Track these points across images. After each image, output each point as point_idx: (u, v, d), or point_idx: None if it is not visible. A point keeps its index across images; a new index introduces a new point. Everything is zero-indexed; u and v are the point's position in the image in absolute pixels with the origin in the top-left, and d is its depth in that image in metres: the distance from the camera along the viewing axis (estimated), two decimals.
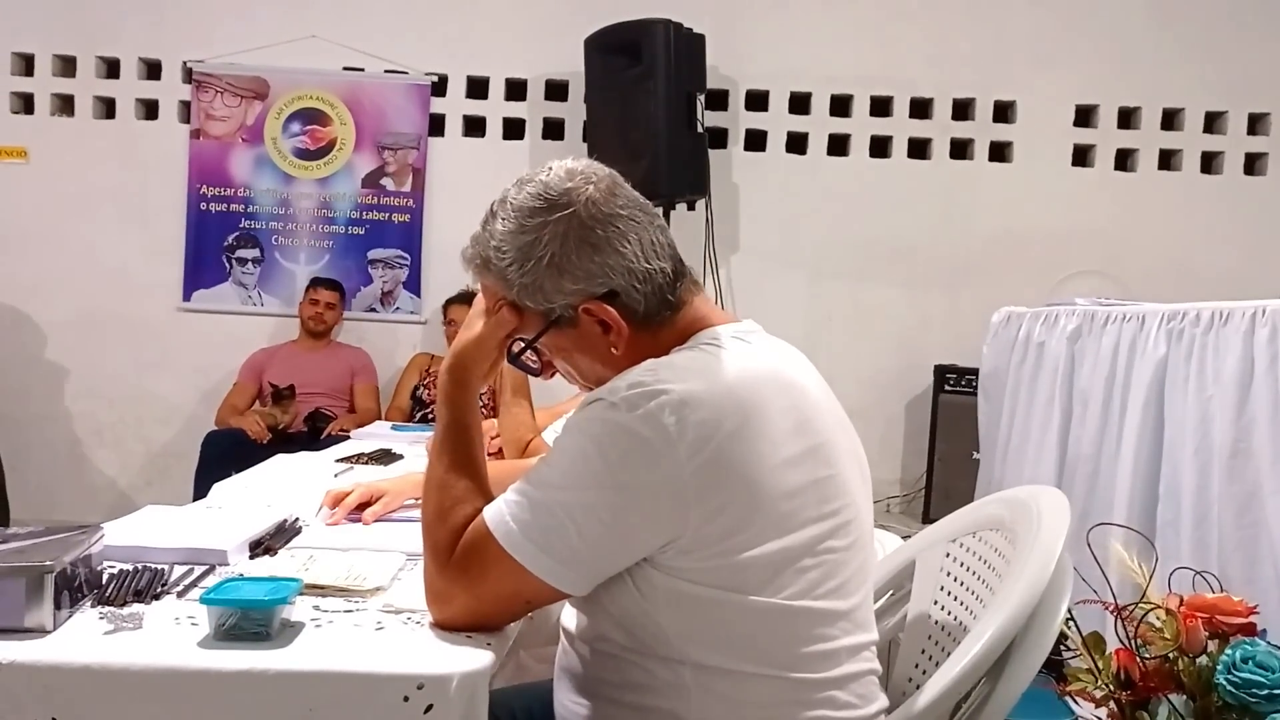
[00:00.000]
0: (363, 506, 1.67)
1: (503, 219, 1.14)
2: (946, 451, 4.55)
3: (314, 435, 4.14)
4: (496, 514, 1.09)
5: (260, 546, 1.45)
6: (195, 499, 3.83)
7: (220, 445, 4.06)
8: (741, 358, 1.11)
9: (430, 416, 4.04)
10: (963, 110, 4.81)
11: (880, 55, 4.75)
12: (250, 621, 1.06)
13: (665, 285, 1.15)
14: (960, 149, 4.83)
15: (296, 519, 1.63)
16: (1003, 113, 4.82)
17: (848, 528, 1.12)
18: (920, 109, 4.80)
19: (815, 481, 1.09)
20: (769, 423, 1.06)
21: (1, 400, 4.64)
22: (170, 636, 1.08)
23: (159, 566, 1.31)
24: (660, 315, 1.15)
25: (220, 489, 2.11)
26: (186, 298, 4.69)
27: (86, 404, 4.72)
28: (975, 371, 4.02)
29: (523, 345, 1.18)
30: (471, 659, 1.04)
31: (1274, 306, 2.00)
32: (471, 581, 1.09)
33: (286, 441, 4.11)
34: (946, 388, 4.60)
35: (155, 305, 4.69)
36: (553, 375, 1.24)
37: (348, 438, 3.92)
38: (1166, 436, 2.26)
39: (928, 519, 4.63)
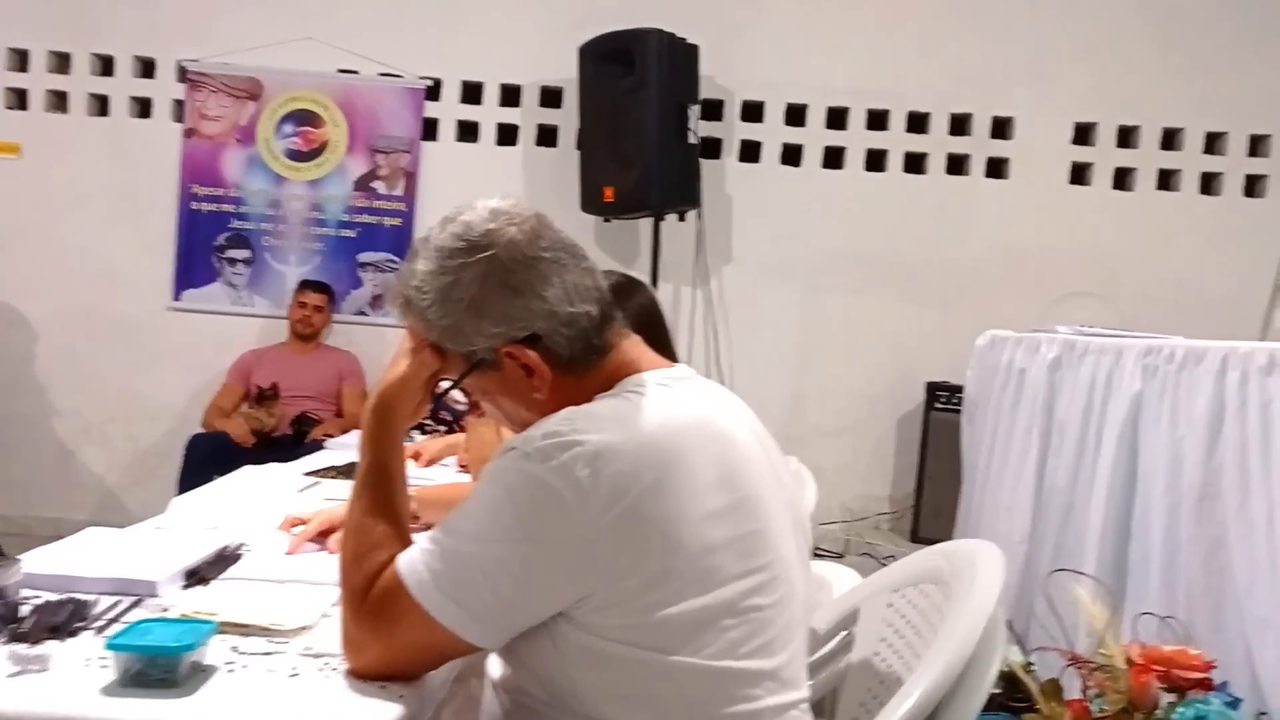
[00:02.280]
0: (325, 534, 1.65)
1: (424, 258, 1.12)
2: (937, 469, 4.52)
3: (299, 439, 4.12)
4: (410, 562, 1.06)
5: (195, 576, 1.43)
6: None
7: (204, 449, 4.05)
8: (665, 405, 1.09)
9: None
10: (960, 125, 4.77)
11: (878, 68, 4.72)
12: (157, 668, 1.04)
13: (590, 329, 1.12)
14: (957, 164, 4.79)
15: (239, 545, 1.61)
16: (1000, 128, 4.78)
17: (774, 584, 1.10)
18: (917, 123, 4.76)
19: (739, 536, 1.07)
20: (691, 475, 1.04)
21: None
22: (76, 681, 1.05)
23: (85, 597, 1.29)
24: (586, 360, 1.13)
25: (178, 504, 2.10)
26: (176, 297, 4.68)
27: (75, 401, 4.71)
28: None
29: (446, 387, 1.16)
30: (380, 714, 1.02)
31: (1244, 349, 1.96)
32: (384, 630, 1.07)
33: (271, 445, 4.10)
34: (938, 405, 4.57)
35: (145, 304, 4.67)
36: (482, 414, 1.22)
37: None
38: (1140, 473, 2.22)
39: (916, 537, 4.61)
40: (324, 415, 4.35)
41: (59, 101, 4.70)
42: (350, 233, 4.70)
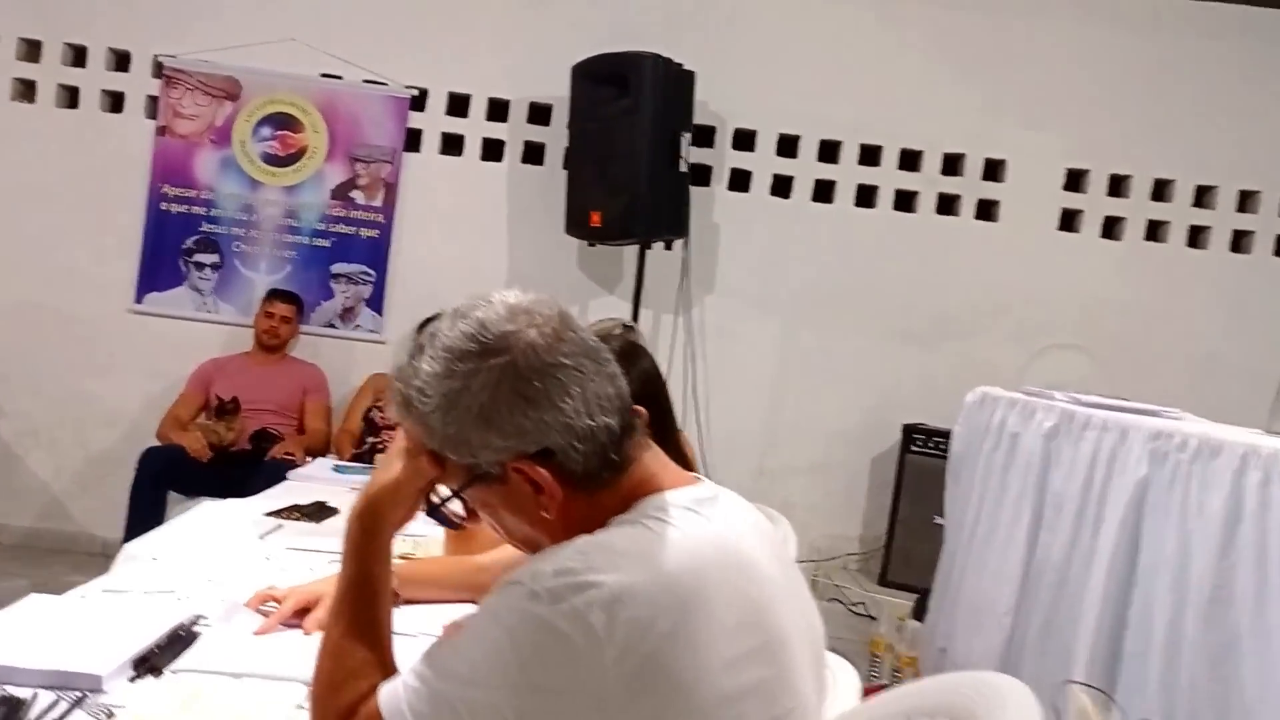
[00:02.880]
0: (299, 613, 1.53)
1: (430, 357, 0.99)
2: (909, 513, 4.46)
3: (258, 456, 3.96)
4: (392, 698, 0.95)
5: (145, 664, 1.30)
6: (129, 520, 3.70)
7: (158, 462, 3.86)
8: (689, 537, 0.98)
9: (380, 446, 3.87)
10: (952, 165, 4.71)
11: (872, 103, 4.65)
12: None
13: (609, 444, 1.00)
14: (947, 204, 4.73)
15: (195, 620, 1.48)
16: (993, 171, 4.73)
17: None
18: (909, 161, 4.70)
19: (760, 682, 0.96)
20: (712, 619, 0.94)
21: None
22: None
23: (21, 694, 1.16)
24: (601, 476, 1.01)
25: (130, 551, 1.96)
26: (138, 299, 4.50)
27: (23, 403, 4.50)
28: (944, 433, 3.91)
29: (442, 499, 1.04)
30: None
31: (1269, 448, 1.88)
32: None
33: (229, 461, 3.94)
34: (914, 447, 4.51)
35: (104, 305, 4.49)
36: (480, 524, 1.11)
37: (293, 462, 3.75)
38: (1142, 563, 2.14)
39: (885, 580, 4.54)
40: (285, 431, 4.19)
41: (27, 91, 4.50)
42: (324, 242, 4.55)
